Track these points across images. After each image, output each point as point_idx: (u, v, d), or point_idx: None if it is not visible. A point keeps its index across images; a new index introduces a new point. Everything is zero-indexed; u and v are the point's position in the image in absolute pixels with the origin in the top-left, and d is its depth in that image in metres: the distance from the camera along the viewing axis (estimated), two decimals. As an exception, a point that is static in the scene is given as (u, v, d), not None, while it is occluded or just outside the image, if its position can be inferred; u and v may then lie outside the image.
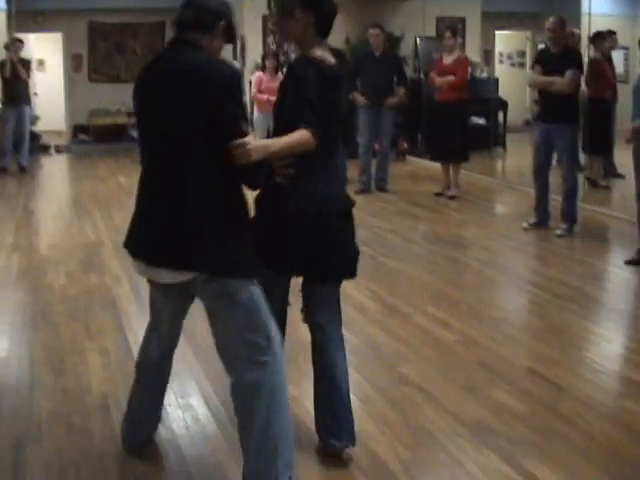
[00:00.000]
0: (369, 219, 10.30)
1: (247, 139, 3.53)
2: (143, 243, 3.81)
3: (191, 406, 4.91)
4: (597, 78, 12.10)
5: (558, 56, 9.12)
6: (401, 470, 4.15)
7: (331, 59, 4.05)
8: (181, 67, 3.61)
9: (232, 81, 3.60)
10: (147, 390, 4.34)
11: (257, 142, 3.62)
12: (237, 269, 3.66)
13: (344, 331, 4.35)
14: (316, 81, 3.87)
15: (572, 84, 9.05)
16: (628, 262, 8.10)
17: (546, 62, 9.22)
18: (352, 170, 12.67)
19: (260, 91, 12.89)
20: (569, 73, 8.99)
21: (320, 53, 4.01)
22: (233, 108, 3.58)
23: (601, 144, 12.29)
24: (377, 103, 12.02)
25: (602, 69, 12.15)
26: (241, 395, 3.76)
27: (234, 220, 3.69)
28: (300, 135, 3.77)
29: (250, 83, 13.86)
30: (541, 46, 9.53)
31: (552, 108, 9.17)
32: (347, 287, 5.50)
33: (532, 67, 9.65)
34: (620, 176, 12.50)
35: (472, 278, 7.76)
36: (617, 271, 8.09)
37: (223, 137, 3.53)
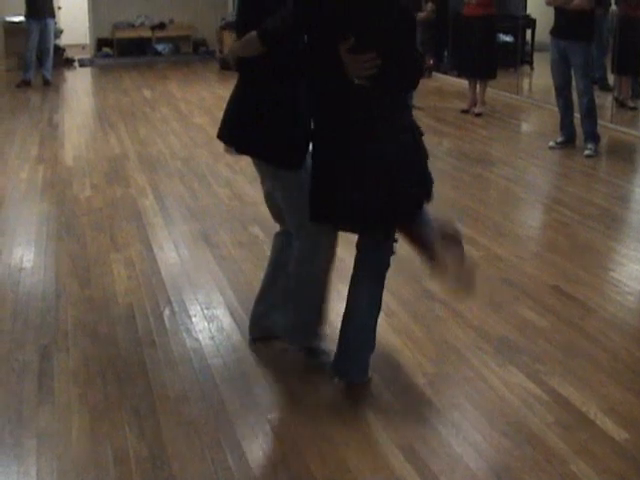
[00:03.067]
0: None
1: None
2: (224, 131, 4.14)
3: (216, 317, 4.93)
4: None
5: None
6: (426, 384, 4.18)
7: None
8: None
9: None
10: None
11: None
12: (283, 159, 3.95)
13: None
14: None
15: (590, 1, 8.87)
16: (655, 183, 8.05)
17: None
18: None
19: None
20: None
21: None
22: None
23: (630, 64, 12.09)
24: None
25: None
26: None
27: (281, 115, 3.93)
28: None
29: None
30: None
31: (567, 24, 9.00)
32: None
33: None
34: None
35: (497, 195, 7.70)
36: (644, 192, 8.04)
37: None
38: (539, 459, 3.57)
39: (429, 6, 12.00)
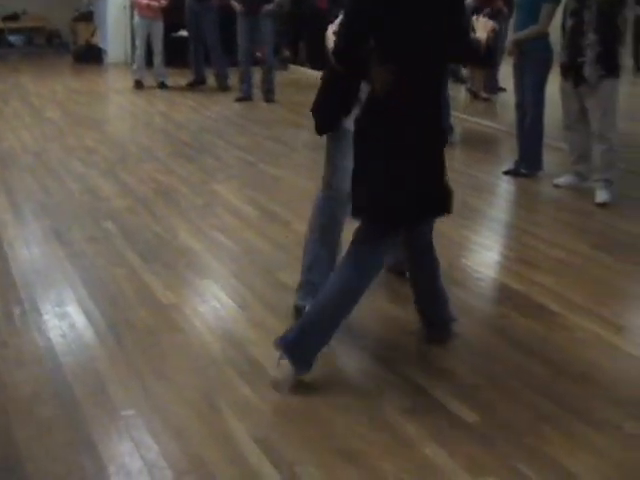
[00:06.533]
0: (250, 126, 10.25)
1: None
2: None
3: (68, 314, 4.83)
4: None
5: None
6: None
7: None
8: None
9: None
10: None
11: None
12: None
13: (222, 237, 4.31)
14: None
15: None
16: (506, 172, 8.25)
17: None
18: (233, 78, 12.62)
19: (140, -6, 12.64)
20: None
21: None
22: None
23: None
24: (253, 10, 11.91)
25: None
26: None
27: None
28: None
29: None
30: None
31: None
32: (226, 193, 5.49)
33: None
34: (502, 89, 12.63)
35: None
36: (495, 181, 8.22)
37: None
38: (393, 445, 3.61)
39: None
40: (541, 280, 5.54)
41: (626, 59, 13.88)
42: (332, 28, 4.12)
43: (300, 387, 4.04)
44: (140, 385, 4.08)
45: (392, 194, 4.00)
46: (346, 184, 4.25)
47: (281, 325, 4.62)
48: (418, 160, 4.04)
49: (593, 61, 7.16)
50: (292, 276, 5.15)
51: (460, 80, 13.10)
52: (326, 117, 4.48)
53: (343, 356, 4.40)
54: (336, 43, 3.94)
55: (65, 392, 4.01)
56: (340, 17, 4.08)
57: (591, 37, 7.15)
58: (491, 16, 11.78)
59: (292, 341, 4.04)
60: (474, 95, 12.63)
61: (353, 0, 3.92)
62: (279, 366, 4.06)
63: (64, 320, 4.76)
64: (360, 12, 3.88)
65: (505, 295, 5.39)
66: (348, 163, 4.20)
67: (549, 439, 3.69)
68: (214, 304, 5.03)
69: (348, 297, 4.14)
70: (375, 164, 4.01)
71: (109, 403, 3.92)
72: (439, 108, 4.15)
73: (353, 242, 4.16)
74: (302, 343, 4.06)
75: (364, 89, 4.15)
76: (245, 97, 12.19)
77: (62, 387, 4.06)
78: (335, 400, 3.96)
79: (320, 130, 4.57)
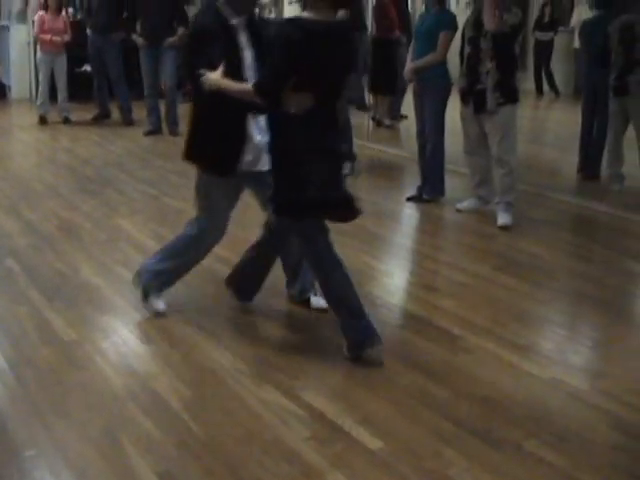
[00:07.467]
0: (154, 160, 10.24)
1: (208, 73, 4.71)
2: None
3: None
4: (381, 19, 12.32)
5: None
6: (181, 408, 4.17)
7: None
8: None
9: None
10: None
11: (211, 76, 4.71)
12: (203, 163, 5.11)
13: (125, 271, 4.31)
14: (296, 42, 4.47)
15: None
16: (409, 199, 8.36)
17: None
18: (138, 111, 12.60)
19: (43, 31, 12.49)
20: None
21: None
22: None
23: (385, 84, 12.52)
24: (156, 43, 11.93)
25: (386, 11, 12.35)
26: None
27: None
28: (246, 87, 4.64)
29: (33, 23, 13.41)
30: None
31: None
32: (129, 228, 5.48)
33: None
34: (404, 116, 12.81)
35: (257, 216, 7.75)
36: (398, 208, 8.32)
37: None
38: (296, 475, 3.62)
39: (180, 30, 11.86)
40: (443, 304, 5.62)
41: (527, 82, 14.22)
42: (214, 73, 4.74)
43: (201, 420, 4.04)
44: (41, 424, 4.02)
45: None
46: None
47: (184, 359, 4.62)
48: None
49: (492, 89, 7.31)
50: (197, 311, 5.16)
51: (364, 108, 13.23)
52: (224, 158, 5.00)
53: (243, 388, 4.40)
54: (262, 80, 4.57)
55: (-36, 433, 3.95)
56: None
57: (488, 65, 7.30)
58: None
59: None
60: (378, 123, 12.78)
61: (281, 45, 4.50)
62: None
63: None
64: (287, 54, 4.46)
65: (407, 321, 5.46)
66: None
67: (450, 461, 3.74)
68: (116, 339, 5.00)
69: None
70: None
71: (10, 443, 3.86)
72: (337, 124, 4.88)
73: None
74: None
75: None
76: (154, 130, 12.18)
77: (-39, 428, 4.00)
78: (237, 431, 3.97)
79: (224, 172, 5.04)
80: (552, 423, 4.11)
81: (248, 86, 4.63)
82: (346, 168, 9.05)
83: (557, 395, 4.44)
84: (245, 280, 5.43)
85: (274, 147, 4.71)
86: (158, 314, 5.26)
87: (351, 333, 4.74)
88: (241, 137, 4.94)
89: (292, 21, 4.67)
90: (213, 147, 5.04)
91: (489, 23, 7.18)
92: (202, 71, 4.75)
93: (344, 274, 4.79)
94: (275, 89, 4.53)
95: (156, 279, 5.28)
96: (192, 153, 5.18)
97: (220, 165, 5.02)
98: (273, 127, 4.72)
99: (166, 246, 5.43)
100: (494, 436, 3.95)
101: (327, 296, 4.93)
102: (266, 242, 5.29)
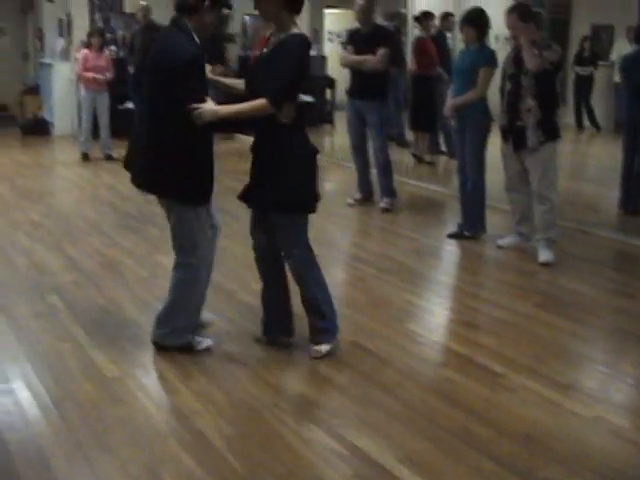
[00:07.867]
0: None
1: (200, 105, 4.80)
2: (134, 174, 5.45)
3: (12, 390, 4.80)
4: (421, 56, 12.36)
5: (369, 35, 9.26)
6: (223, 445, 4.17)
7: None
8: (154, 54, 5.12)
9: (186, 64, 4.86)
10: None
11: (207, 107, 4.82)
12: (182, 196, 5.12)
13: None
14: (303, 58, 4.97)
15: (383, 62, 9.21)
16: (450, 236, 8.33)
17: (357, 41, 9.34)
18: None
19: (86, 69, 12.66)
20: (380, 51, 9.14)
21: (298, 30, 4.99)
22: (185, 83, 4.85)
23: (425, 121, 12.54)
24: None
25: (425, 47, 12.39)
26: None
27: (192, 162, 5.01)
28: (256, 103, 4.84)
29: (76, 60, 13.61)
30: (352, 26, 9.66)
31: (362, 85, 9.34)
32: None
33: (344, 47, 9.70)
34: (444, 153, 12.81)
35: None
36: (439, 244, 8.31)
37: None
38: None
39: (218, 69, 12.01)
40: (484, 341, 5.60)
41: (567, 117, 14.18)
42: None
43: (242, 458, 4.05)
44: (84, 460, 4.05)
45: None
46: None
47: (225, 396, 4.63)
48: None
49: (534, 127, 7.30)
50: (239, 347, 5.17)
51: (404, 145, 13.27)
52: (210, 183, 5.17)
53: (284, 425, 4.40)
54: (277, 93, 4.82)
55: (8, 469, 3.97)
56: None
57: (530, 102, 7.29)
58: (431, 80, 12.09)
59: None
60: (418, 159, 12.79)
61: (293, 58, 4.89)
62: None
63: (9, 397, 4.72)
64: (299, 66, 4.91)
65: (448, 358, 5.44)
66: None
67: (492, 500, 3.72)
68: (158, 376, 5.03)
69: None
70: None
71: (53, 479, 3.89)
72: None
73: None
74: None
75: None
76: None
77: (5, 464, 4.02)
78: (279, 469, 3.95)
79: (209, 197, 5.24)
80: (595, 461, 4.07)
81: (258, 101, 4.84)
82: (387, 204, 9.23)
83: (599, 433, 4.40)
84: (274, 318, 5.46)
85: (273, 153, 5.00)
86: (201, 350, 5.29)
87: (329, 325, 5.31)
88: (212, 160, 5.11)
89: (298, 36, 4.97)
90: (198, 176, 5.09)
91: (530, 63, 7.18)
92: (193, 105, 4.82)
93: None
94: (285, 100, 4.87)
95: (182, 332, 5.29)
96: (175, 189, 5.13)
97: (208, 191, 5.16)
98: (272, 136, 4.99)
99: (168, 303, 5.35)
100: (536, 475, 3.93)
101: (312, 296, 5.32)
102: (270, 273, 5.47)
